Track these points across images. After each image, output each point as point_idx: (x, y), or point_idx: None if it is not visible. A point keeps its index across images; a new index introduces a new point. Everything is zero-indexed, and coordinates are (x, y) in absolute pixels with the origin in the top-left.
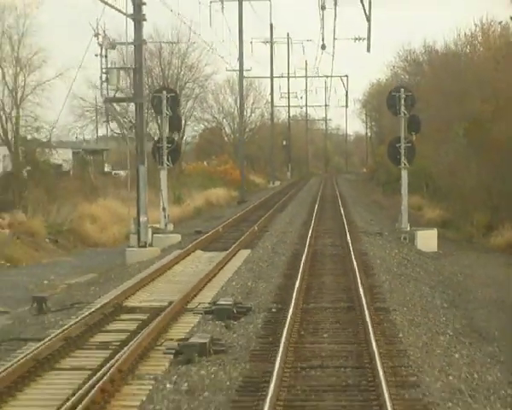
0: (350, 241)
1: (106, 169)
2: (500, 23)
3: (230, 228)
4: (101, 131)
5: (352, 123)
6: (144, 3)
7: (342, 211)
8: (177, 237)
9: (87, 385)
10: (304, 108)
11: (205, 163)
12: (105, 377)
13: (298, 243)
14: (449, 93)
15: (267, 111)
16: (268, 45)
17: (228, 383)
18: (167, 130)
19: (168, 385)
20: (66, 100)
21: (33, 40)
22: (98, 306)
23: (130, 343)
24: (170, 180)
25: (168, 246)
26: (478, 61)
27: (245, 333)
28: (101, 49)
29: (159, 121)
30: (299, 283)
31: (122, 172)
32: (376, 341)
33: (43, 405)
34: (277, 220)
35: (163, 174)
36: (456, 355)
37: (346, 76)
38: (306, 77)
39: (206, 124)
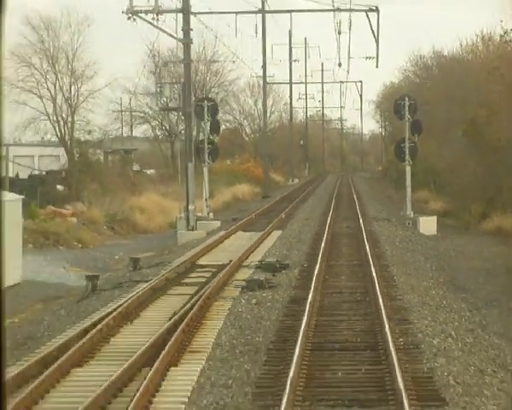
0: (362, 224)
1: (134, 168)
2: (501, 36)
3: (261, 216)
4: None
5: (367, 122)
6: (191, 29)
7: (357, 203)
8: (217, 224)
9: (191, 303)
10: (320, 109)
11: (228, 162)
12: (200, 299)
13: (319, 226)
14: (452, 97)
15: (285, 112)
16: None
17: (281, 299)
18: (208, 133)
19: (243, 301)
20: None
21: (86, 54)
22: (179, 263)
23: (211, 282)
24: (201, 177)
25: (211, 230)
26: (477, 68)
27: (286, 278)
28: (156, 67)
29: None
30: (322, 250)
31: (150, 171)
32: (378, 280)
33: (164, 313)
34: (300, 211)
35: (205, 171)
36: (433, 292)
37: (360, 81)
38: (322, 82)
39: (227, 125)
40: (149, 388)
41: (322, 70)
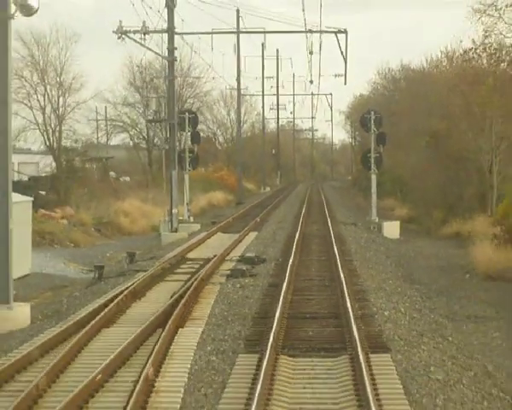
0: (331, 228)
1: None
2: (461, 55)
3: (237, 220)
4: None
5: (338, 132)
6: (176, 48)
7: (326, 209)
8: (197, 226)
9: (186, 286)
10: (292, 119)
11: (202, 170)
12: (195, 282)
13: (292, 228)
14: (417, 110)
15: (257, 122)
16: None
17: (261, 284)
18: (189, 143)
19: (229, 285)
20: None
21: (72, 68)
22: (170, 257)
23: (200, 271)
24: (181, 183)
25: (192, 232)
26: (441, 83)
27: (264, 269)
28: (144, 82)
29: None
30: (294, 248)
31: (124, 178)
32: (342, 271)
33: (166, 293)
34: (273, 215)
35: (186, 178)
36: (390, 281)
37: (331, 94)
38: (294, 93)
39: (202, 134)
40: (166, 339)
41: (294, 82)
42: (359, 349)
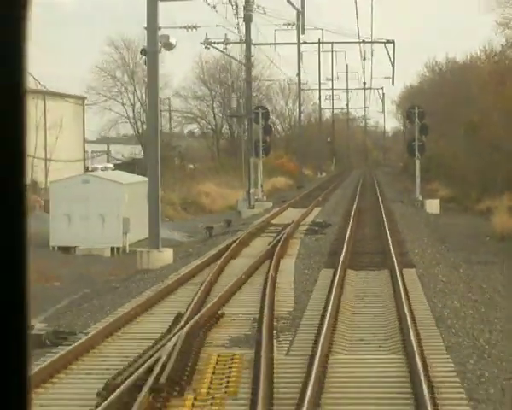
0: (381, 203)
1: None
2: (492, 57)
3: (303, 199)
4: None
5: (389, 120)
6: (253, 56)
7: (378, 190)
8: (269, 204)
9: (277, 239)
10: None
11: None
12: (283, 236)
13: (348, 204)
14: (458, 101)
15: (314, 111)
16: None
17: (330, 238)
18: (262, 134)
19: (307, 239)
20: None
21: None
22: (259, 221)
23: (284, 230)
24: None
25: (265, 209)
26: (478, 78)
27: (330, 230)
28: (211, 76)
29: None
30: (352, 217)
31: (190, 166)
32: (389, 231)
33: (263, 243)
34: (332, 196)
35: (260, 163)
36: (425, 239)
37: (382, 88)
38: (347, 89)
39: None
40: (276, 262)
41: (347, 72)
42: (395, 264)
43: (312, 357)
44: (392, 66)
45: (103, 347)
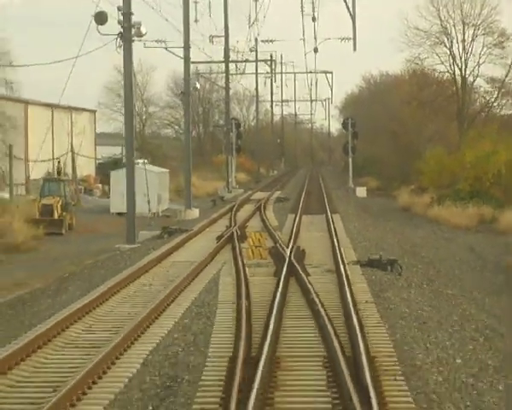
0: (323, 190)
1: None
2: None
3: (265, 188)
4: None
5: (334, 122)
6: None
7: (322, 183)
8: (241, 190)
9: (258, 205)
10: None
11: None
12: (262, 203)
13: (299, 190)
14: (384, 113)
15: (265, 115)
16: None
17: (290, 205)
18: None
19: (276, 205)
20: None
21: (153, 87)
22: (242, 198)
23: (261, 201)
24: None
25: (239, 193)
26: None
27: (290, 201)
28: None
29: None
30: (303, 195)
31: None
32: (327, 203)
33: (251, 207)
34: (287, 186)
35: (233, 161)
36: (352, 209)
37: (328, 98)
38: (295, 100)
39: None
40: (262, 211)
41: (295, 80)
42: (328, 212)
43: (292, 232)
44: (353, 19)
45: (206, 231)
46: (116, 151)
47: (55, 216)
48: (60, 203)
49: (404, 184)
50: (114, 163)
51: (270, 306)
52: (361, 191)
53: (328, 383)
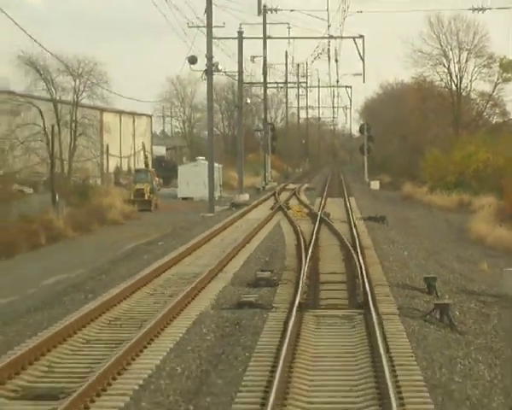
0: (343, 183)
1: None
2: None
3: (295, 181)
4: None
5: (355, 125)
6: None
7: (342, 178)
8: (276, 183)
9: (293, 192)
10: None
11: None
12: (296, 191)
13: (323, 183)
14: (397, 118)
15: (291, 117)
16: None
17: (317, 191)
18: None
19: (307, 192)
20: None
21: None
22: (279, 188)
23: (294, 190)
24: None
25: (275, 185)
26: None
27: (315, 190)
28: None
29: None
30: (327, 188)
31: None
32: (346, 190)
33: (287, 194)
34: (313, 180)
35: (269, 159)
36: (366, 198)
37: (347, 106)
38: (319, 107)
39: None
40: (297, 197)
41: (319, 85)
42: (346, 195)
43: (320, 205)
44: (362, 60)
45: (261, 206)
46: (161, 151)
47: (146, 198)
48: (148, 188)
49: (410, 179)
50: (158, 161)
51: (312, 231)
52: (374, 184)
53: (341, 251)
